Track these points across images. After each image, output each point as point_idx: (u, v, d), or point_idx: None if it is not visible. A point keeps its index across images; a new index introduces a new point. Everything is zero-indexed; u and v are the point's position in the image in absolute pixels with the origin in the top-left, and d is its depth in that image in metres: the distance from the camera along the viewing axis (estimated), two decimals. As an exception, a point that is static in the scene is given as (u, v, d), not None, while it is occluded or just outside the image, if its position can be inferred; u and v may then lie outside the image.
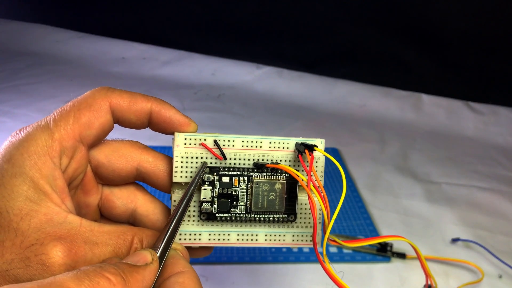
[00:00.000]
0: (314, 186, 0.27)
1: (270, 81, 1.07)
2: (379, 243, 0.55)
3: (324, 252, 0.27)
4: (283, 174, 0.30)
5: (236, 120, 0.90)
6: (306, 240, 0.31)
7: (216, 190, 0.29)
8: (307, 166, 0.29)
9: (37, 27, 1.27)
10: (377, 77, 1.04)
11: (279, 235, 0.30)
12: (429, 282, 0.33)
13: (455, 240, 0.58)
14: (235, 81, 1.07)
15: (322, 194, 0.28)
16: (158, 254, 0.24)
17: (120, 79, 1.06)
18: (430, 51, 1.03)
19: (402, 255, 0.54)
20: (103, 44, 1.20)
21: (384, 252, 0.54)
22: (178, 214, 0.27)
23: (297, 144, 0.30)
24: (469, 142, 0.87)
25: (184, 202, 0.27)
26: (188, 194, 0.28)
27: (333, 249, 0.55)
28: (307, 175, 0.28)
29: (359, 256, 0.54)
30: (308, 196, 0.27)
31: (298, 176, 0.28)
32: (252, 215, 0.30)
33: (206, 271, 0.51)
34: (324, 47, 1.12)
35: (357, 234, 0.58)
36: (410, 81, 1.03)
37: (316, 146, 0.29)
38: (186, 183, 0.29)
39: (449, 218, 0.63)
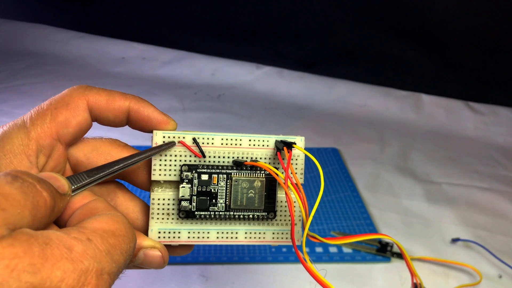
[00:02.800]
0: (292, 183, 0.27)
1: (270, 81, 1.07)
2: (379, 243, 0.55)
3: (304, 249, 0.27)
4: (263, 172, 0.29)
5: (236, 120, 0.90)
6: (287, 238, 0.31)
7: (195, 188, 0.29)
8: (285, 163, 0.29)
9: (37, 27, 1.27)
10: (377, 77, 1.04)
11: (259, 233, 0.30)
12: (415, 281, 0.33)
13: (455, 240, 0.58)
14: (235, 81, 1.07)
15: (300, 191, 0.27)
16: (73, 190, 0.25)
17: (120, 79, 1.06)
18: (430, 51, 1.03)
19: (402, 255, 0.54)
20: (103, 44, 1.20)
21: (384, 252, 0.54)
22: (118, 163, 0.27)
23: (276, 142, 0.30)
24: (469, 142, 0.87)
25: (127, 160, 0.27)
26: (139, 157, 0.28)
27: (333, 249, 0.55)
28: (285, 173, 0.28)
29: (359, 256, 0.54)
30: (286, 193, 0.27)
31: (276, 174, 0.28)
32: (232, 213, 0.29)
33: (206, 271, 0.51)
34: (324, 47, 1.12)
35: (357, 234, 0.58)
36: (410, 81, 1.03)
37: (295, 144, 0.29)
38: (165, 181, 0.29)
39: (449, 218, 0.63)
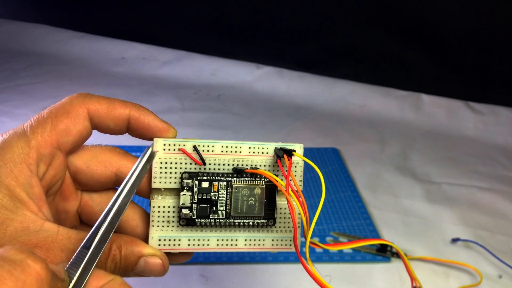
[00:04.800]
0: (292, 190, 0.27)
1: (270, 81, 1.07)
2: (379, 243, 0.55)
3: (308, 256, 0.27)
4: (263, 179, 0.30)
5: (236, 120, 0.90)
6: (286, 244, 0.31)
7: (196, 196, 0.29)
8: (286, 171, 0.29)
9: (37, 27, 1.27)
10: (377, 77, 1.04)
11: (259, 240, 0.30)
12: (414, 285, 0.33)
13: (455, 240, 0.58)
14: (235, 81, 1.07)
15: (300, 198, 0.28)
16: (75, 278, 0.22)
17: (120, 79, 1.06)
18: (430, 51, 1.03)
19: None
20: (103, 44, 1.20)
21: (384, 252, 0.54)
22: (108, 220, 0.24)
23: (276, 149, 0.30)
24: (469, 142, 0.87)
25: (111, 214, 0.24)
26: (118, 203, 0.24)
27: (332, 250, 0.55)
28: (285, 180, 0.28)
29: (359, 256, 0.54)
30: (287, 201, 0.28)
31: (276, 181, 0.28)
32: (232, 220, 0.30)
33: (206, 271, 0.51)
34: (324, 47, 1.12)
35: (357, 234, 0.58)
36: (410, 81, 1.03)
37: (295, 151, 0.29)
38: (165, 189, 0.29)
39: (449, 218, 0.63)
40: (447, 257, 0.55)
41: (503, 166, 0.79)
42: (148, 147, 0.26)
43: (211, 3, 1.18)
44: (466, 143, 0.86)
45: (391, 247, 0.55)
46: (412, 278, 0.33)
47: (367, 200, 0.66)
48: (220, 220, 0.29)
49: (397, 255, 0.54)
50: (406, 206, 0.65)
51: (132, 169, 0.25)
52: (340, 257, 0.54)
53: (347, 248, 0.30)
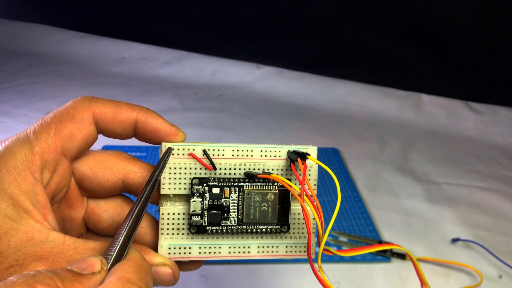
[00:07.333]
0: (307, 195, 0.27)
1: (270, 81, 1.07)
2: (379, 243, 0.55)
3: (319, 263, 0.26)
4: (275, 184, 0.29)
5: (236, 120, 0.90)
6: (300, 251, 0.30)
7: (206, 202, 0.28)
8: (300, 175, 0.28)
9: (37, 27, 1.27)
10: (377, 77, 1.04)
11: (272, 247, 0.29)
12: None
13: (455, 240, 0.58)
14: (235, 81, 1.07)
15: (315, 203, 0.27)
16: (109, 263, 0.22)
17: (120, 79, 1.06)
18: (430, 51, 1.03)
19: (402, 255, 0.54)
20: (103, 44, 1.20)
21: (384, 252, 0.54)
22: (137, 210, 0.25)
23: (289, 153, 0.29)
24: (469, 142, 0.87)
25: (143, 197, 0.26)
26: (148, 188, 0.26)
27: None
28: (299, 185, 0.27)
29: (359, 256, 0.54)
30: (302, 207, 0.27)
31: (290, 186, 0.27)
32: (244, 227, 0.29)
33: (206, 271, 0.51)
34: (324, 47, 1.12)
35: (357, 234, 0.58)
36: (410, 81, 1.03)
37: (309, 154, 0.28)
38: (175, 195, 0.28)
39: (449, 218, 0.63)
40: (447, 257, 0.55)
41: (503, 166, 0.79)
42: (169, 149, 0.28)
43: (211, 3, 1.18)
44: (466, 143, 0.86)
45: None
46: (423, 283, 0.33)
47: (367, 200, 0.66)
48: (232, 227, 0.28)
49: (397, 255, 0.54)
50: (406, 206, 0.65)
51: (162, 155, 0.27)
52: (340, 257, 0.54)
53: (360, 253, 0.29)
